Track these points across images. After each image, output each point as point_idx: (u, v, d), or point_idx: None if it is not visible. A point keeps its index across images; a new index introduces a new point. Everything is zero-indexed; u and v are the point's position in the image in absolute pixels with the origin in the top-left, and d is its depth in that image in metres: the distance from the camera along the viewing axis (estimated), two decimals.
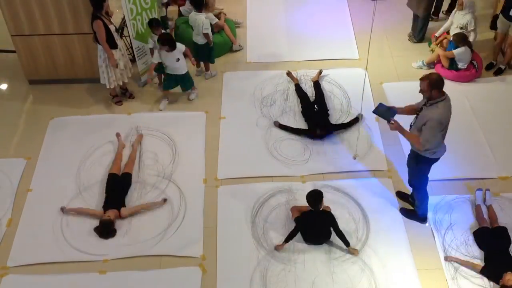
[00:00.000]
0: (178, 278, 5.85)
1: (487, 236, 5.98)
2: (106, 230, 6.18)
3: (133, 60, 8.33)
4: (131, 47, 8.12)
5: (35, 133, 7.55)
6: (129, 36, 7.97)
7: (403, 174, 6.82)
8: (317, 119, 7.45)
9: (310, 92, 7.98)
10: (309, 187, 6.68)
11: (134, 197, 6.63)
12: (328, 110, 7.63)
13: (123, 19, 7.97)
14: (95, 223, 6.32)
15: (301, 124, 7.52)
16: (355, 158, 6.92)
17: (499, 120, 7.52)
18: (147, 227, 6.32)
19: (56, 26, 7.75)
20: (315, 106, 7.65)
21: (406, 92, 8.01)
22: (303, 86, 8.11)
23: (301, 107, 7.73)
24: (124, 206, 6.44)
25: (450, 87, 8.12)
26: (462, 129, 7.41)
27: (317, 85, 8.03)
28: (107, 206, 6.37)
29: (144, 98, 8.16)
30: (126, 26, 7.86)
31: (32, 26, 7.73)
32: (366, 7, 9.59)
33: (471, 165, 6.91)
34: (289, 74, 8.26)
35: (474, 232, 6.08)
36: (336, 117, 7.65)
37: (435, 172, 6.78)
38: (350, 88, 8.09)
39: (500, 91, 8.01)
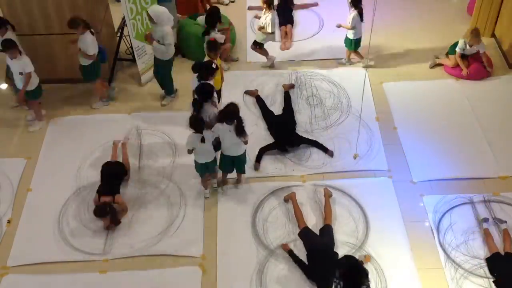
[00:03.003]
0: (178, 278, 5.86)
1: (501, 263, 5.72)
2: (101, 211, 6.15)
3: (133, 60, 8.33)
4: (131, 47, 8.11)
5: (35, 133, 7.55)
6: (129, 36, 7.96)
7: (403, 174, 6.84)
8: (283, 134, 7.25)
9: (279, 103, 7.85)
10: (309, 187, 6.70)
11: (134, 196, 6.63)
12: (295, 124, 7.43)
13: (123, 18, 7.97)
14: (95, 222, 6.35)
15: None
16: (355, 158, 6.92)
17: (499, 120, 7.52)
18: (147, 227, 6.32)
19: (56, 26, 7.75)
20: (282, 119, 7.48)
21: (406, 91, 8.07)
22: (301, 86, 8.14)
23: (266, 124, 7.52)
24: (119, 193, 6.43)
25: (450, 86, 8.15)
26: (462, 129, 7.41)
27: (287, 96, 7.82)
28: (101, 192, 6.36)
29: (144, 97, 8.16)
30: (126, 26, 7.85)
31: (32, 26, 7.72)
32: (366, 7, 9.59)
33: (471, 165, 6.91)
34: (247, 92, 7.99)
35: (487, 258, 5.82)
36: (335, 117, 7.65)
37: (436, 171, 6.83)
38: (350, 88, 8.09)
39: (500, 91, 8.01)
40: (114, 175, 6.61)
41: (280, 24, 9.32)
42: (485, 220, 6.20)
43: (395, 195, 6.59)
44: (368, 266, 5.86)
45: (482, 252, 5.95)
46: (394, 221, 6.31)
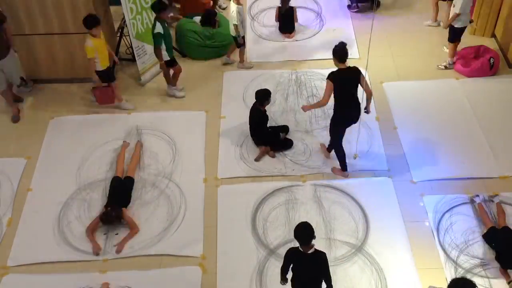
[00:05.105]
0: (178, 277, 5.86)
1: (498, 235, 5.88)
2: (108, 218, 6.20)
3: (133, 60, 8.33)
4: (131, 47, 8.11)
5: (35, 133, 7.55)
6: (129, 35, 7.97)
7: (403, 174, 6.84)
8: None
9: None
10: (309, 187, 6.70)
11: (134, 196, 6.62)
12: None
13: (123, 18, 7.97)
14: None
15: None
16: (355, 158, 6.92)
17: (499, 120, 7.52)
18: (147, 227, 6.32)
19: (56, 26, 7.75)
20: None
21: (406, 91, 8.08)
22: (301, 86, 8.15)
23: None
24: (126, 207, 6.44)
25: (450, 86, 8.15)
26: (462, 129, 7.42)
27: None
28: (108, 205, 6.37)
29: (144, 97, 8.16)
30: (126, 26, 7.85)
31: (32, 25, 7.73)
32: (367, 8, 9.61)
33: (471, 165, 6.91)
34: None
35: (484, 235, 5.99)
36: None
37: (436, 171, 6.83)
38: None
39: (501, 91, 8.01)
40: (123, 190, 6.55)
41: (283, 32, 9.34)
42: (476, 196, 6.36)
43: (395, 195, 6.60)
44: (368, 266, 5.88)
45: (482, 251, 5.95)
46: (394, 221, 6.31)
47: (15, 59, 7.56)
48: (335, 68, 8.41)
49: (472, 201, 6.39)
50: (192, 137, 7.41)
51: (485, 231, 6.00)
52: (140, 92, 8.27)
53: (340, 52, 6.18)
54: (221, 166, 7.01)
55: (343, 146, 6.81)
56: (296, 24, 9.29)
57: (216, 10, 9.41)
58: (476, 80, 8.18)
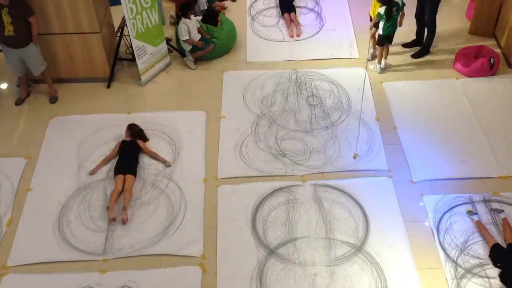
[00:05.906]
0: (178, 277, 5.86)
1: (506, 255, 5.75)
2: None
3: (133, 60, 8.33)
4: (131, 47, 8.11)
5: (35, 133, 7.55)
6: (129, 35, 7.96)
7: (403, 173, 6.84)
8: None
9: None
10: (309, 187, 6.70)
11: (134, 196, 6.62)
12: None
13: (123, 18, 7.97)
14: (95, 222, 6.37)
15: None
16: (355, 158, 6.93)
17: (499, 120, 7.52)
18: (147, 227, 6.33)
19: (56, 26, 7.75)
20: None
21: (407, 91, 8.08)
22: (301, 86, 8.15)
23: None
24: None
25: (450, 86, 8.16)
26: (462, 129, 7.42)
27: None
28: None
29: (144, 97, 8.16)
30: (126, 26, 7.85)
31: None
32: (366, 6, 9.60)
33: (471, 165, 6.91)
34: None
35: (490, 255, 5.82)
36: (335, 117, 7.65)
37: (436, 171, 6.84)
38: (350, 88, 8.09)
39: (500, 91, 8.01)
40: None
41: (283, 12, 9.52)
42: (474, 214, 6.24)
43: (395, 194, 6.60)
44: (368, 266, 5.88)
45: (482, 251, 5.95)
46: (394, 221, 6.31)
47: (34, 50, 7.57)
48: (335, 68, 8.50)
49: (470, 214, 6.28)
50: (192, 137, 7.41)
51: (488, 250, 5.86)
52: (140, 92, 8.27)
53: None
54: (221, 166, 7.00)
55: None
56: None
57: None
58: (476, 80, 8.18)
